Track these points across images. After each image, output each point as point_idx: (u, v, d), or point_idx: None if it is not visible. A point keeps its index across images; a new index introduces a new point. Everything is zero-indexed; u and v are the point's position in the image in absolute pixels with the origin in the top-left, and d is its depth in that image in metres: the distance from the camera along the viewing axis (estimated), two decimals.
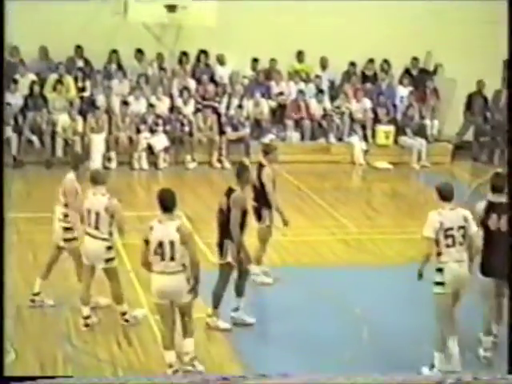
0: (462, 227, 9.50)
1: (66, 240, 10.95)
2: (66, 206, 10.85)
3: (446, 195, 9.62)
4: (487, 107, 20.71)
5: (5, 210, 13.31)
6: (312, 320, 10.61)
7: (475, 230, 9.62)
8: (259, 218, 11.89)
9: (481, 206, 10.03)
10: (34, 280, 11.35)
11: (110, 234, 10.24)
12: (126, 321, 10.46)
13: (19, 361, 9.54)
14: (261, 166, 12.10)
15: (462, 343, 9.82)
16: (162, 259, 9.02)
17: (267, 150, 12.38)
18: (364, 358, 9.86)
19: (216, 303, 10.49)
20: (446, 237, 9.46)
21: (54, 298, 10.98)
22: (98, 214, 10.11)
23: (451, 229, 9.47)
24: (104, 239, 10.20)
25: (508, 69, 13.34)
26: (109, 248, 10.30)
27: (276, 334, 10.50)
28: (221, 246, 10.40)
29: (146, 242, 9.07)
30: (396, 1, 19.98)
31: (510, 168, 10.44)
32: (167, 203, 9.15)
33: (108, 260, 10.33)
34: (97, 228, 10.15)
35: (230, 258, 10.31)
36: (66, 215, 10.74)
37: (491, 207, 9.97)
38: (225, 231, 10.34)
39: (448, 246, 9.46)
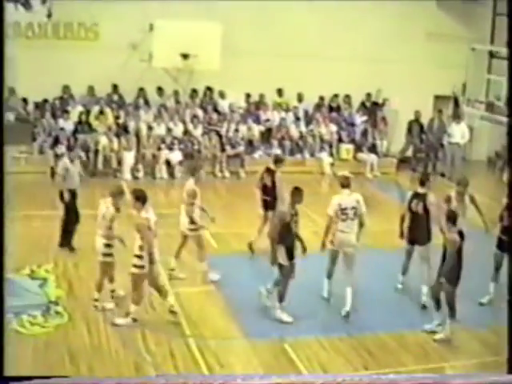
0: (354, 207, 10.09)
1: (190, 230, 10.82)
2: (191, 204, 10.71)
3: (343, 184, 10.33)
4: (423, 131, 20.74)
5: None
6: (290, 293, 10.44)
7: (364, 210, 10.19)
8: (266, 207, 12.11)
9: (409, 194, 10.81)
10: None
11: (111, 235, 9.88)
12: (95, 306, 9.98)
13: (71, 322, 9.63)
14: (270, 171, 12.29)
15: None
16: (155, 237, 9.33)
17: (277, 160, 12.58)
18: (331, 319, 10.16)
19: (280, 298, 10.00)
20: (342, 214, 10.06)
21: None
22: (102, 219, 9.96)
23: (346, 208, 10.08)
24: (103, 237, 9.89)
25: (508, 69, 13.01)
26: (106, 245, 9.90)
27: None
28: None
29: (150, 228, 9.26)
30: (355, 50, 20.08)
31: (510, 169, 11.03)
32: (145, 198, 9.37)
33: (105, 255, 9.93)
34: (101, 229, 9.95)
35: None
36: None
37: (415, 195, 10.66)
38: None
39: (342, 220, 10.05)
